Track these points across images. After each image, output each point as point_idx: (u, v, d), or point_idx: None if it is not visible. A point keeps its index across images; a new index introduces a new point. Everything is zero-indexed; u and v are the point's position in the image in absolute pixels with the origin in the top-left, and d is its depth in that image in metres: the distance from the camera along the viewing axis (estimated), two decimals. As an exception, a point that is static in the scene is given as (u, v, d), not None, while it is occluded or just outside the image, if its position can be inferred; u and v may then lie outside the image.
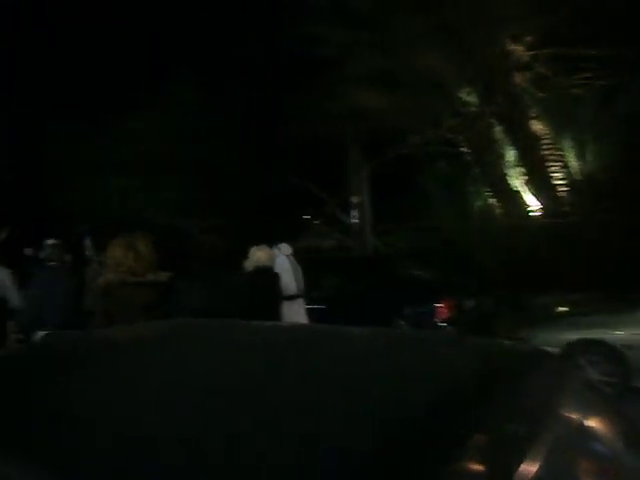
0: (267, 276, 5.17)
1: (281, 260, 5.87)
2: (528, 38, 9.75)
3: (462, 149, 11.29)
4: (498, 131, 10.40)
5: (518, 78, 9.71)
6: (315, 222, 18.28)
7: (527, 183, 10.80)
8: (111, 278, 3.52)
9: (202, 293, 4.07)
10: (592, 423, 1.55)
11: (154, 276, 3.55)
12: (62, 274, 5.16)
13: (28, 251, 9.04)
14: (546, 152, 10.45)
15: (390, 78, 9.15)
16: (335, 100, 8.80)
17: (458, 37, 9.09)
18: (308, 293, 7.36)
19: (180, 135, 8.80)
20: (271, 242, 6.08)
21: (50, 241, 5.53)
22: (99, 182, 9.79)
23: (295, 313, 5.78)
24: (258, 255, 5.34)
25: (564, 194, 10.54)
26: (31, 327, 4.81)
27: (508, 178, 10.76)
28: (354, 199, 9.96)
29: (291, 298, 5.78)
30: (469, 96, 10.07)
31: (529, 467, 1.00)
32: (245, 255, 5.31)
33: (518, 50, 9.80)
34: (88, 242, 8.62)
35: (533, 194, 10.94)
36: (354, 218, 10.16)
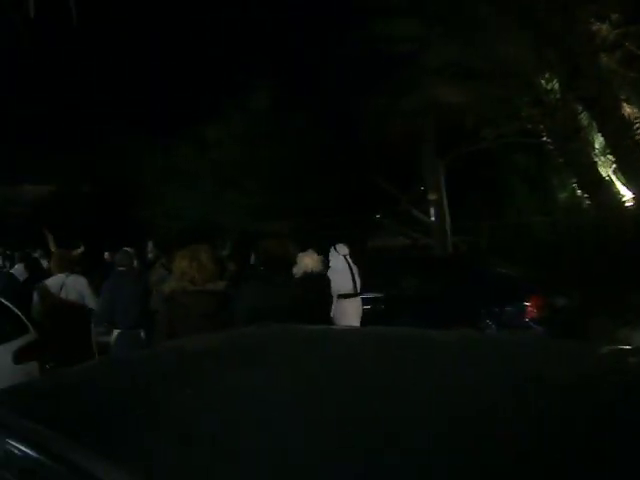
0: (315, 281, 5.22)
1: (337, 260, 6.16)
2: (614, 15, 9.07)
3: (543, 139, 10.69)
4: (584, 117, 9.75)
5: (605, 59, 9.05)
6: (386, 221, 18.04)
7: (617, 171, 10.06)
8: (174, 286, 3.86)
9: (255, 295, 4.15)
10: None
11: (213, 285, 3.84)
12: (130, 278, 5.55)
13: (107, 257, 9.63)
14: (638, 137, 9.68)
15: (467, 70, 8.82)
16: (411, 95, 8.58)
17: (537, 20, 8.60)
18: (388, 293, 7.22)
19: (257, 139, 8.90)
20: (337, 243, 6.45)
21: (124, 248, 6.13)
22: (178, 190, 10.12)
23: (351, 310, 6.02)
24: (305, 261, 5.43)
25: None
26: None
27: (596, 167, 10.06)
28: (431, 196, 9.66)
29: (347, 296, 6.02)
30: (550, 83, 9.51)
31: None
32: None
33: (604, 29, 9.14)
34: (150, 246, 9.03)
35: (624, 183, 10.18)
36: (432, 215, 9.85)
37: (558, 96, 9.54)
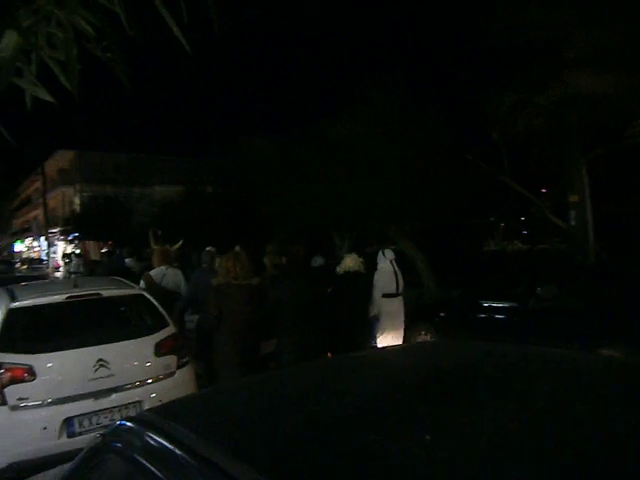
0: (354, 279, 6.30)
1: (384, 264, 6.82)
2: None
3: None
4: None
5: None
6: (503, 224, 17.07)
7: None
8: (222, 280, 5.10)
9: (280, 290, 5.24)
10: None
11: (249, 280, 5.11)
12: (208, 274, 6.33)
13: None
14: None
15: (613, 57, 7.91)
16: (549, 89, 7.90)
17: None
18: (523, 304, 6.70)
19: (382, 138, 8.70)
20: (383, 248, 7.17)
21: (208, 248, 7.23)
22: (299, 189, 10.21)
23: (393, 308, 6.75)
24: (346, 261, 6.47)
25: None
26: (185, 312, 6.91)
27: None
28: (572, 198, 8.82)
29: (390, 296, 6.71)
30: None
31: None
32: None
33: None
34: (237, 248, 9.58)
35: None
36: (571, 219, 8.99)
37: None
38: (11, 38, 1.38)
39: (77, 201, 37.90)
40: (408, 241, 9.59)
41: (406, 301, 7.26)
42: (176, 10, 1.58)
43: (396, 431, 1.23)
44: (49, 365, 4.35)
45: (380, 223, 9.66)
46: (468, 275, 8.30)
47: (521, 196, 11.34)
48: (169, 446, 1.30)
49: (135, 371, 4.69)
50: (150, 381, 4.73)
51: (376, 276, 6.76)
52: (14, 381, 4.19)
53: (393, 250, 7.30)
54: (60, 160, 41.85)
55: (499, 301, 7.05)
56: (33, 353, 4.34)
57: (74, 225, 32.24)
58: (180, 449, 1.25)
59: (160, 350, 4.90)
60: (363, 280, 6.52)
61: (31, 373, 4.24)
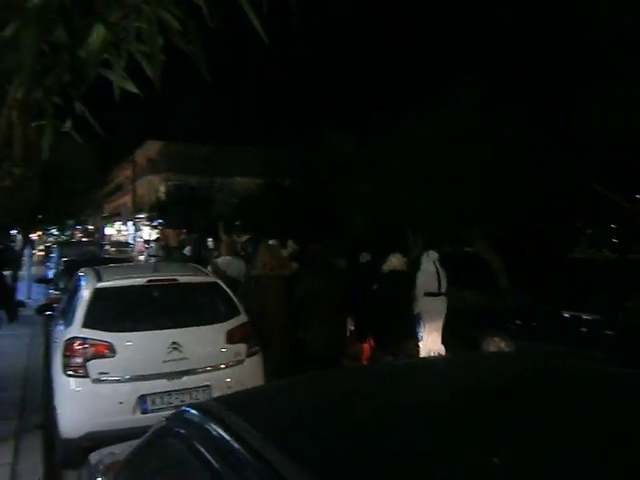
0: (397, 277, 6.99)
1: (428, 264, 7.20)
2: None
3: None
4: None
5: None
6: (590, 231, 16.09)
7: None
8: (259, 272, 5.81)
9: (307, 282, 5.72)
10: None
11: (283, 272, 5.80)
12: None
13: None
14: None
15: None
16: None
17: None
18: (610, 317, 6.30)
19: (464, 138, 8.42)
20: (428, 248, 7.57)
21: (270, 241, 7.63)
22: (379, 187, 10.12)
23: (434, 306, 7.10)
24: (392, 260, 7.09)
25: None
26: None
27: None
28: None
29: (431, 294, 7.09)
30: None
31: None
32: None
33: None
34: (290, 242, 10.31)
35: None
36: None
37: None
38: (99, 32, 1.44)
39: (162, 189, 39.83)
40: (484, 243, 9.25)
41: (473, 304, 7.82)
42: (255, 1, 1.58)
43: (452, 444, 1.18)
44: (128, 344, 4.59)
45: (456, 224, 9.37)
46: (549, 282, 7.86)
47: (612, 201, 10.56)
48: (226, 437, 1.31)
49: (206, 356, 4.84)
50: (220, 367, 4.86)
51: (419, 276, 7.20)
52: (96, 356, 4.46)
53: (468, 252, 7.39)
54: (149, 150, 44.23)
55: (583, 312, 6.63)
56: (114, 331, 4.59)
57: (158, 212, 33.91)
58: (237, 442, 1.26)
59: (231, 338, 5.02)
60: (407, 279, 7.12)
61: (111, 350, 4.49)
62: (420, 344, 7.12)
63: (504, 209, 8.78)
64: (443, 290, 7.17)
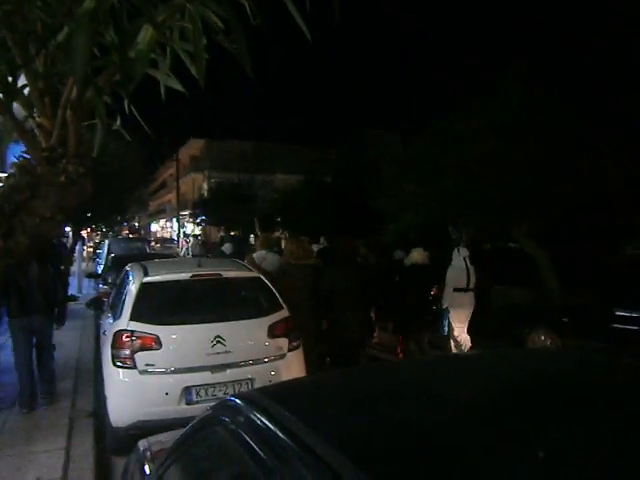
0: (418, 269, 7.41)
1: (458, 260, 7.45)
2: None
3: None
4: None
5: None
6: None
7: None
8: (286, 260, 6.37)
9: (333, 272, 6.14)
10: None
11: (308, 261, 6.32)
12: None
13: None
14: None
15: None
16: None
17: None
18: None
19: (506, 131, 8.19)
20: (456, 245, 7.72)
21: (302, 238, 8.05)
22: (417, 182, 10.00)
23: (463, 301, 7.37)
24: (414, 255, 7.55)
25: None
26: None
27: None
28: None
29: (460, 290, 7.34)
30: None
31: None
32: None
33: None
34: (322, 239, 11.29)
35: None
36: None
37: None
38: (147, 32, 1.49)
39: (205, 186, 40.62)
40: (529, 239, 9.00)
41: (519, 301, 7.96)
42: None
43: (494, 441, 1.17)
44: (173, 337, 4.72)
45: (506, 220, 9.12)
46: (600, 279, 7.59)
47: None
48: (271, 426, 1.34)
49: (249, 350, 4.92)
50: (262, 361, 4.93)
51: (449, 271, 7.47)
52: (143, 348, 4.61)
53: (514, 248, 7.37)
54: (192, 148, 45.13)
55: (635, 310, 6.39)
56: (160, 324, 4.73)
57: (201, 209, 34.60)
58: (281, 431, 1.29)
59: (273, 332, 5.09)
60: (427, 272, 7.46)
61: (157, 342, 4.63)
62: (449, 337, 7.51)
63: (555, 204, 8.51)
64: (472, 286, 7.38)
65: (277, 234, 20.47)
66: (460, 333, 7.36)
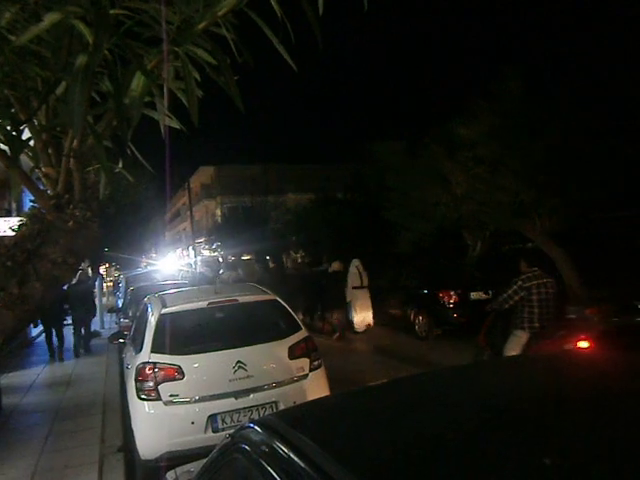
0: (336, 275, 12.24)
1: (352, 268, 11.71)
2: None
3: None
4: None
5: None
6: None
7: None
8: (290, 267, 13.14)
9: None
10: None
11: (298, 271, 12.88)
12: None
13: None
14: None
15: None
16: None
17: None
18: None
19: (509, 132, 8.17)
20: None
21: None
22: (425, 190, 10.00)
23: (361, 295, 11.92)
24: (334, 265, 11.98)
25: None
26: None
27: None
28: None
29: (358, 288, 11.72)
30: None
31: None
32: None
33: None
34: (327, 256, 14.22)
35: None
36: None
37: None
38: (140, 79, 1.56)
39: (218, 212, 40.96)
40: (545, 238, 8.90)
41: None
42: (284, 30, 1.66)
43: (513, 453, 1.17)
44: (195, 365, 4.76)
45: (519, 221, 9.04)
46: (620, 275, 7.44)
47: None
48: (288, 453, 1.35)
49: (271, 373, 4.94)
50: (285, 383, 4.94)
51: (349, 275, 12.10)
52: (166, 379, 4.65)
53: (530, 248, 7.17)
54: (202, 176, 45.64)
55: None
56: (181, 354, 4.78)
57: (216, 235, 34.84)
58: (298, 457, 1.30)
59: (293, 353, 5.09)
60: (343, 276, 11.80)
61: (180, 372, 4.67)
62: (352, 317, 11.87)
63: (567, 201, 8.43)
64: (365, 284, 11.73)
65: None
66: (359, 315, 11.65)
